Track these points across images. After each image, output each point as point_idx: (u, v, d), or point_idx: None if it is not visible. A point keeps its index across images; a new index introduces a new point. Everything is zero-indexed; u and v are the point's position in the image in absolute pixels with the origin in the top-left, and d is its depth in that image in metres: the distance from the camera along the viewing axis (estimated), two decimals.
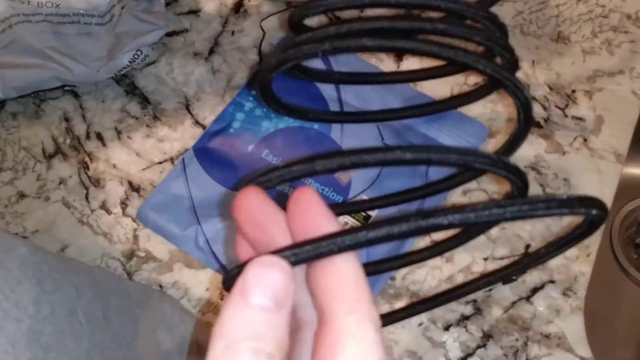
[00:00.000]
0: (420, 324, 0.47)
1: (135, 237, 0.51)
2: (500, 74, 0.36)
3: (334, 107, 0.53)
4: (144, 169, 0.54)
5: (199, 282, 0.49)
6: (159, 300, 0.43)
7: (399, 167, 0.51)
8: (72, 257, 0.51)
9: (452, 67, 0.50)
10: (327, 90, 0.54)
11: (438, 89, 0.55)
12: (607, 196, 0.51)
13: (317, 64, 0.55)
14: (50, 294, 0.30)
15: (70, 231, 0.52)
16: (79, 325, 0.30)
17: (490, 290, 0.48)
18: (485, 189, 0.51)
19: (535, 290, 0.48)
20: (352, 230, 0.22)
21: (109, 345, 0.32)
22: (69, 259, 0.39)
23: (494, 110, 0.54)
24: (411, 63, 0.56)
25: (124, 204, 0.53)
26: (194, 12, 0.60)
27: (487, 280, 0.44)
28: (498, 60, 0.40)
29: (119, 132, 0.55)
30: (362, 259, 0.48)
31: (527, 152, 0.52)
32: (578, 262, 0.49)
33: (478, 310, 0.48)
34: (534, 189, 0.51)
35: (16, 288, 0.28)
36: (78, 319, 0.31)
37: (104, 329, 0.32)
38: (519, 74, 0.55)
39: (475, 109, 0.54)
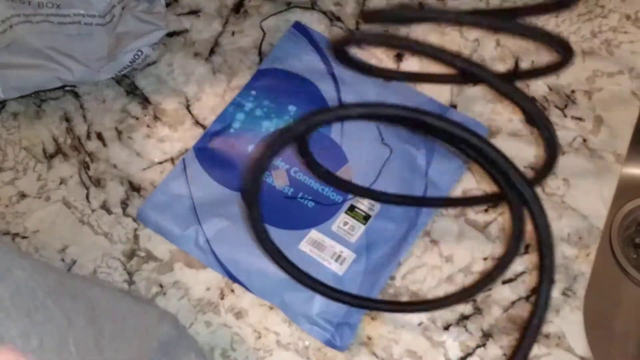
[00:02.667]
0: (420, 324, 0.47)
1: (136, 237, 0.51)
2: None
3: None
4: (144, 169, 0.54)
5: (200, 281, 0.49)
6: (159, 321, 0.42)
7: (398, 168, 0.51)
8: (72, 257, 0.51)
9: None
10: (327, 90, 0.54)
11: (438, 89, 0.55)
12: (607, 196, 0.51)
13: (315, 61, 0.56)
14: (39, 325, 0.29)
15: (70, 231, 0.52)
16: (68, 354, 0.30)
17: (490, 290, 0.48)
18: (484, 189, 0.51)
19: (534, 290, 0.48)
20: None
21: None
22: (68, 276, 0.39)
23: (493, 110, 0.54)
24: (410, 63, 0.57)
25: (124, 204, 0.53)
26: (194, 12, 0.60)
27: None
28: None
29: (119, 132, 0.56)
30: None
31: (526, 152, 0.53)
32: (577, 262, 0.49)
33: (478, 310, 0.48)
34: None
35: (4, 322, 0.27)
36: (68, 348, 0.30)
37: (95, 357, 0.32)
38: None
39: (475, 109, 0.54)
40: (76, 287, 0.34)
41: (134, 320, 0.39)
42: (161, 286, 0.50)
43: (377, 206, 0.50)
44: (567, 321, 0.47)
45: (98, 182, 0.54)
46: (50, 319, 0.30)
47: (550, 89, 0.55)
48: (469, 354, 0.46)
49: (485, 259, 0.49)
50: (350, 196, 0.50)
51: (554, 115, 0.54)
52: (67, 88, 0.56)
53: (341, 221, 0.49)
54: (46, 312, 0.30)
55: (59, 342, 0.30)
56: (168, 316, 0.44)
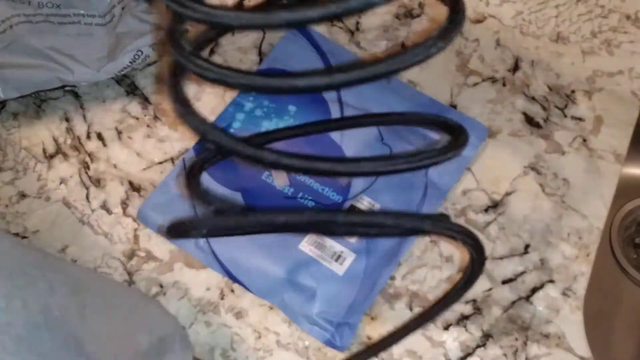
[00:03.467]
0: None
1: (136, 237, 0.51)
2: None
3: (334, 107, 0.53)
4: (144, 169, 0.54)
5: (199, 281, 0.49)
6: (145, 303, 0.43)
7: None
8: (72, 257, 0.51)
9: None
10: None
11: (438, 89, 0.55)
12: (607, 196, 0.51)
13: (315, 61, 0.56)
14: (21, 288, 0.30)
15: (70, 231, 0.52)
16: (53, 319, 0.31)
17: (490, 289, 0.48)
18: (485, 188, 0.51)
19: (534, 290, 0.48)
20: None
21: (87, 341, 0.32)
22: (52, 257, 0.40)
23: (493, 110, 0.54)
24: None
25: (124, 204, 0.53)
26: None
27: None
28: None
29: (119, 132, 0.56)
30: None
31: (526, 152, 0.53)
32: (577, 262, 0.49)
33: (478, 310, 0.48)
34: (534, 189, 0.51)
35: None
36: (53, 313, 0.31)
37: (81, 325, 0.32)
38: (519, 74, 0.56)
39: (475, 109, 0.54)
40: (57, 263, 0.35)
41: (116, 299, 0.40)
42: (161, 286, 0.50)
43: (377, 206, 0.50)
44: (567, 321, 0.47)
45: (98, 182, 0.54)
46: (32, 284, 0.31)
47: (550, 89, 0.55)
48: (469, 354, 0.46)
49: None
50: (350, 196, 0.50)
51: (554, 115, 0.54)
52: (67, 88, 0.56)
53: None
54: (28, 278, 0.31)
55: (43, 306, 0.30)
56: (150, 298, 0.45)
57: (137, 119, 0.56)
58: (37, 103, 0.57)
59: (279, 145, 0.52)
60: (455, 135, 0.40)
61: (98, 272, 0.50)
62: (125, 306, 0.40)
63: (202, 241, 0.49)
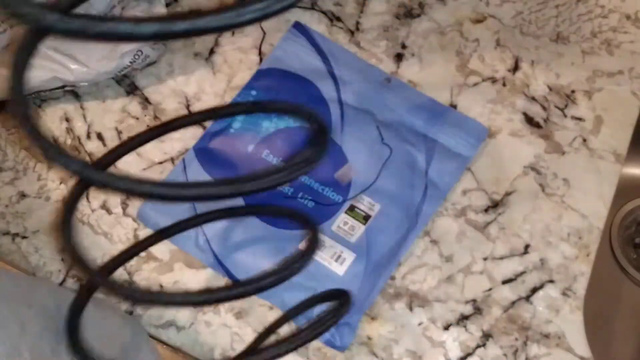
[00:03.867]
0: (420, 324, 0.47)
1: (136, 237, 0.51)
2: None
3: (334, 108, 0.53)
4: (144, 169, 0.54)
5: (199, 281, 0.49)
6: (120, 327, 0.42)
7: (398, 168, 0.51)
8: None
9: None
10: (327, 90, 0.54)
11: (438, 89, 0.55)
12: (607, 196, 0.51)
13: (315, 61, 0.56)
14: None
15: None
16: None
17: (490, 289, 0.48)
18: (485, 188, 0.51)
19: (534, 290, 0.48)
20: None
21: None
22: (28, 283, 0.38)
23: (493, 110, 0.54)
24: (410, 63, 0.57)
25: (124, 204, 0.53)
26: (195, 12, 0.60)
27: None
28: None
29: (119, 132, 0.56)
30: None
31: (526, 152, 0.53)
32: (577, 262, 0.49)
33: (478, 310, 0.48)
34: (534, 189, 0.51)
35: None
36: (22, 355, 0.30)
37: None
38: (519, 74, 0.56)
39: (475, 109, 0.54)
40: (33, 292, 0.34)
41: (90, 321, 0.39)
42: (161, 286, 0.50)
43: (377, 206, 0.50)
44: (567, 321, 0.47)
45: None
46: (3, 326, 0.30)
47: (550, 89, 0.55)
48: (469, 354, 0.46)
49: (485, 258, 0.49)
50: (350, 196, 0.50)
51: (554, 115, 0.54)
52: (67, 88, 0.56)
53: (341, 221, 0.49)
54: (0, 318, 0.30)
55: (12, 349, 0.30)
56: (129, 321, 0.44)
57: (137, 119, 0.56)
58: (37, 103, 0.57)
59: (271, 147, 0.52)
60: (317, 136, 0.33)
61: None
62: (96, 327, 0.40)
63: (202, 241, 0.49)
